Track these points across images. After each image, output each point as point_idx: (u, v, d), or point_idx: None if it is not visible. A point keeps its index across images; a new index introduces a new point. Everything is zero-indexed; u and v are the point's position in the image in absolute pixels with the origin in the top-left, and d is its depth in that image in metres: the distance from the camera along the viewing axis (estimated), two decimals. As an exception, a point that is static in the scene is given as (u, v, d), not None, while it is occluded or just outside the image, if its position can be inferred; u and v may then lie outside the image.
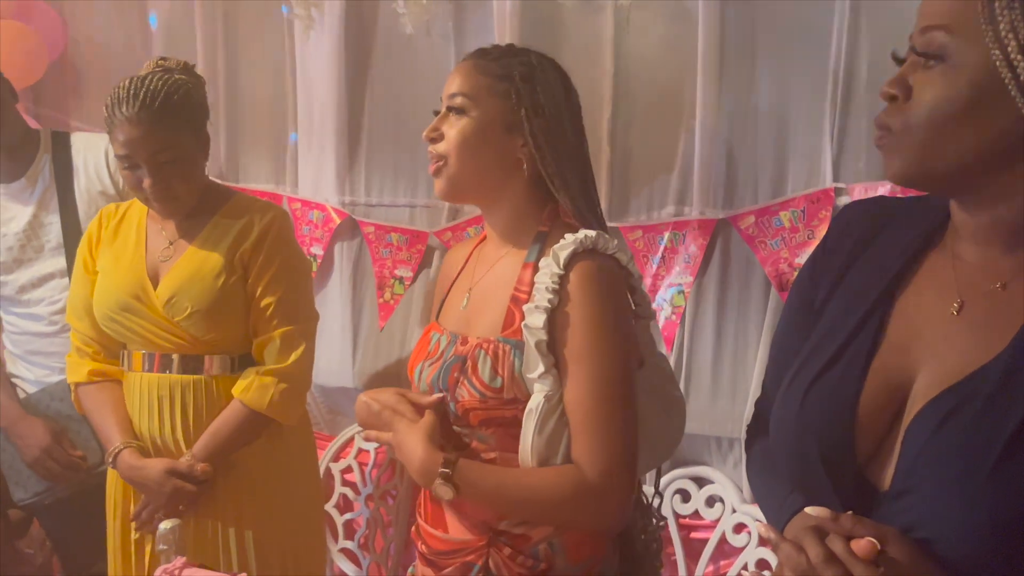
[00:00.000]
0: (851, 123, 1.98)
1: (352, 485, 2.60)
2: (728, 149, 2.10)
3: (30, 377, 2.18)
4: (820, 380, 0.95)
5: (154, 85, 1.70)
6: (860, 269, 1.00)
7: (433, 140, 1.33)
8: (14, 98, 2.09)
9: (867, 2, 1.93)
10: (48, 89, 2.88)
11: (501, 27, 2.24)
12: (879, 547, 0.82)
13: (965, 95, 0.83)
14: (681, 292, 2.15)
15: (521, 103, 1.30)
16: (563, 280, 1.24)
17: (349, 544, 2.59)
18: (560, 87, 1.34)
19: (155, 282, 1.81)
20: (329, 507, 2.61)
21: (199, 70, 1.89)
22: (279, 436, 1.88)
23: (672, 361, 2.15)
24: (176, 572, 1.32)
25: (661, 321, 2.17)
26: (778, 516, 0.97)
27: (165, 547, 1.38)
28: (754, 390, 2.06)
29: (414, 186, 2.50)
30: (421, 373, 1.36)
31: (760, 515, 1.06)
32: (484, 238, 1.44)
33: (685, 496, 2.23)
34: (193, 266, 1.79)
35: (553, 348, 1.23)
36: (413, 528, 1.44)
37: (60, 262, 2.12)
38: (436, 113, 1.36)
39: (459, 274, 1.44)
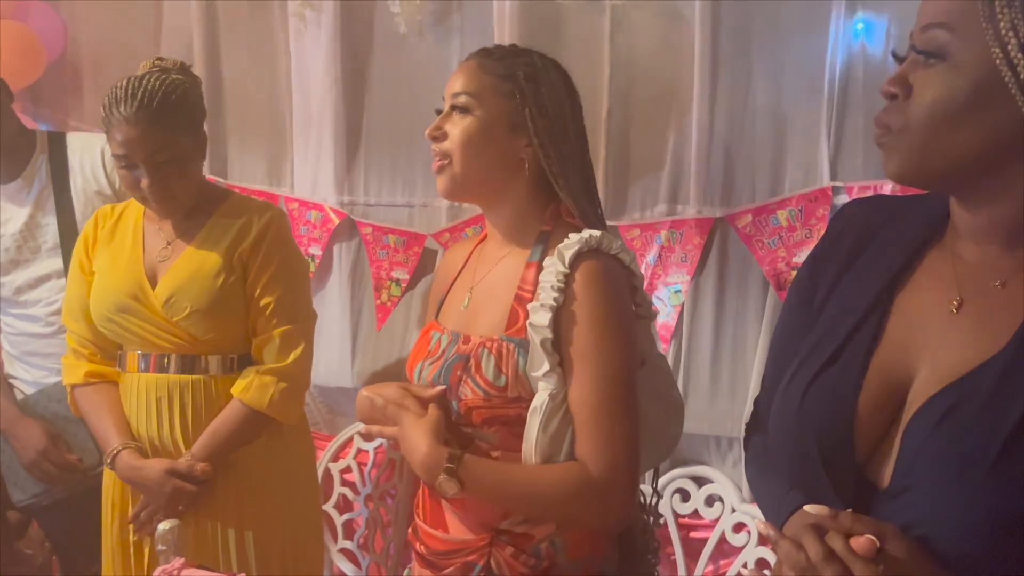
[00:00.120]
0: (848, 122, 1.98)
1: (351, 485, 2.60)
2: (725, 148, 2.10)
3: (28, 378, 2.17)
4: (820, 378, 0.95)
5: (152, 85, 1.70)
6: (859, 267, 1.00)
7: (436, 139, 1.34)
8: (9, 98, 2.08)
9: (864, 0, 1.93)
10: (47, 89, 2.88)
11: (500, 26, 2.24)
12: (878, 544, 0.82)
13: (965, 93, 0.83)
14: (679, 291, 2.15)
15: (525, 103, 1.31)
16: (568, 279, 1.24)
17: (348, 544, 2.59)
18: (563, 88, 1.35)
19: (153, 282, 1.81)
20: (328, 507, 2.61)
21: (196, 70, 1.88)
22: (278, 436, 1.88)
23: (670, 360, 2.15)
24: (175, 573, 1.32)
25: (659, 320, 2.17)
26: (777, 514, 0.97)
27: (164, 548, 1.37)
28: (753, 389, 2.06)
29: (412, 186, 2.49)
30: (421, 372, 1.36)
31: (759, 514, 1.06)
32: (484, 237, 1.44)
33: (684, 496, 2.23)
34: (192, 266, 1.79)
35: (558, 346, 1.24)
36: (410, 529, 1.43)
37: (57, 263, 2.11)
38: (438, 112, 1.36)
39: (459, 274, 1.44)
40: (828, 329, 0.98)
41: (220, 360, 1.83)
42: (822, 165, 2.01)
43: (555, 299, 1.23)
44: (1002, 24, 0.80)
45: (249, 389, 1.80)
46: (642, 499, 1.44)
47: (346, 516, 2.60)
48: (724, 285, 2.14)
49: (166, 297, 1.78)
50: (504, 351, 1.26)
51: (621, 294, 1.28)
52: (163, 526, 1.38)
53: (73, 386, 1.89)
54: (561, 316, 1.24)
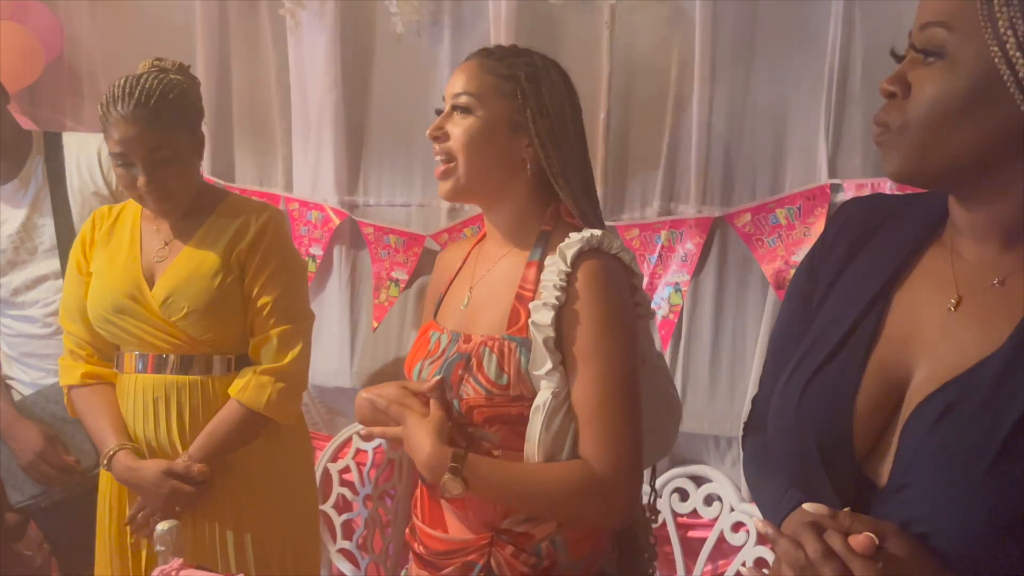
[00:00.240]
0: (847, 120, 1.98)
1: (350, 485, 2.60)
2: (724, 147, 2.10)
3: (25, 379, 2.17)
4: (819, 375, 0.95)
5: (149, 84, 1.70)
6: (858, 265, 1.00)
7: (438, 139, 1.34)
8: (5, 99, 2.08)
9: (862, 0, 1.93)
10: (45, 90, 2.87)
11: (496, 27, 2.24)
12: (877, 542, 0.82)
13: (964, 92, 0.83)
14: (678, 291, 2.15)
15: (527, 103, 1.31)
16: (570, 278, 1.25)
17: (347, 544, 2.59)
18: (563, 88, 1.35)
19: (151, 282, 1.80)
20: (327, 507, 2.60)
21: (198, 71, 1.88)
22: (276, 436, 1.87)
23: (670, 360, 2.16)
24: (173, 573, 1.32)
25: (659, 320, 2.17)
26: (776, 513, 0.97)
27: (163, 548, 1.37)
28: (752, 388, 2.06)
29: (411, 186, 2.49)
30: (420, 372, 1.36)
31: (758, 513, 1.06)
32: (482, 237, 1.44)
33: (683, 495, 2.23)
34: (190, 266, 1.79)
35: (560, 345, 1.24)
36: (408, 529, 1.43)
37: (54, 264, 2.11)
38: (438, 112, 1.36)
39: (457, 273, 1.44)
40: (827, 327, 0.98)
41: (218, 360, 1.83)
42: (821, 163, 2.01)
43: (557, 298, 1.23)
44: (1000, 23, 0.80)
45: (246, 389, 1.79)
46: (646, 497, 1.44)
47: (345, 516, 2.59)
48: (723, 284, 2.14)
49: (163, 297, 1.78)
50: (506, 350, 1.26)
51: (622, 293, 1.28)
52: (162, 526, 1.38)
53: (70, 387, 1.89)
54: (563, 315, 1.24)
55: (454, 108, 1.33)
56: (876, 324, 0.94)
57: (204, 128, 1.86)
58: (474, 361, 1.27)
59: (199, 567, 1.36)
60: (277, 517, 1.88)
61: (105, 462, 1.81)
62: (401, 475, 2.56)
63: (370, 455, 2.58)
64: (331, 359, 2.57)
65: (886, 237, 0.99)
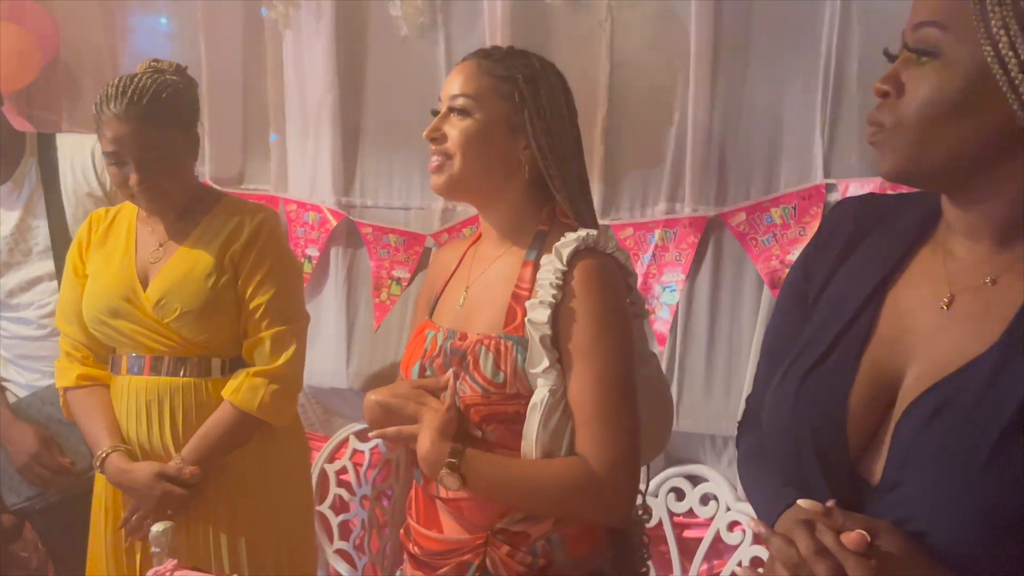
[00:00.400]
0: (842, 120, 1.98)
1: (347, 486, 2.60)
2: (720, 146, 2.10)
3: (21, 381, 2.17)
4: (813, 374, 0.95)
5: (143, 83, 1.71)
6: (852, 264, 1.00)
7: (435, 140, 1.33)
8: None
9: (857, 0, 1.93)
10: (41, 91, 2.87)
11: (492, 27, 2.24)
12: (869, 539, 0.82)
13: (957, 91, 0.83)
14: (673, 290, 2.15)
15: (525, 105, 1.31)
16: (566, 276, 1.25)
17: (344, 545, 2.59)
18: (560, 90, 1.36)
19: (145, 284, 1.80)
20: (324, 508, 2.60)
21: (196, 72, 1.88)
22: (271, 438, 1.86)
23: (665, 359, 2.16)
24: (167, 574, 1.32)
25: (654, 319, 2.17)
26: (770, 511, 0.97)
27: (158, 549, 1.37)
28: (748, 387, 2.06)
29: (408, 188, 2.50)
30: (424, 371, 1.36)
31: (754, 512, 1.07)
32: (478, 238, 1.45)
33: (679, 494, 2.23)
34: (184, 267, 1.79)
35: (556, 343, 1.24)
36: (402, 530, 1.43)
37: (48, 265, 2.11)
38: (434, 113, 1.36)
39: (453, 273, 1.45)
40: (821, 326, 0.98)
41: (212, 362, 1.82)
42: (816, 163, 2.01)
43: (554, 296, 1.24)
44: (993, 22, 0.81)
45: (239, 391, 1.78)
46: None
47: (342, 517, 2.59)
48: (719, 283, 2.14)
49: (157, 299, 1.77)
50: (502, 348, 1.26)
51: (618, 291, 1.29)
52: (157, 528, 1.38)
53: (65, 389, 1.88)
54: (560, 313, 1.25)
55: (451, 110, 1.33)
56: (870, 323, 0.94)
57: (202, 129, 1.85)
58: (470, 359, 1.28)
59: (194, 568, 1.36)
60: (272, 519, 1.87)
61: (98, 464, 1.81)
62: (398, 476, 2.56)
63: (367, 456, 2.58)
64: (328, 360, 2.56)
65: (879, 237, 0.99)
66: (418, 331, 1.42)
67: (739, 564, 2.09)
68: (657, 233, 2.15)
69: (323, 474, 2.61)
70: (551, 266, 1.26)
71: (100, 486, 1.89)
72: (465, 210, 2.35)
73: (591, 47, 2.18)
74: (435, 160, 1.34)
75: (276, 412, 1.82)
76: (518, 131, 1.32)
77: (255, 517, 1.85)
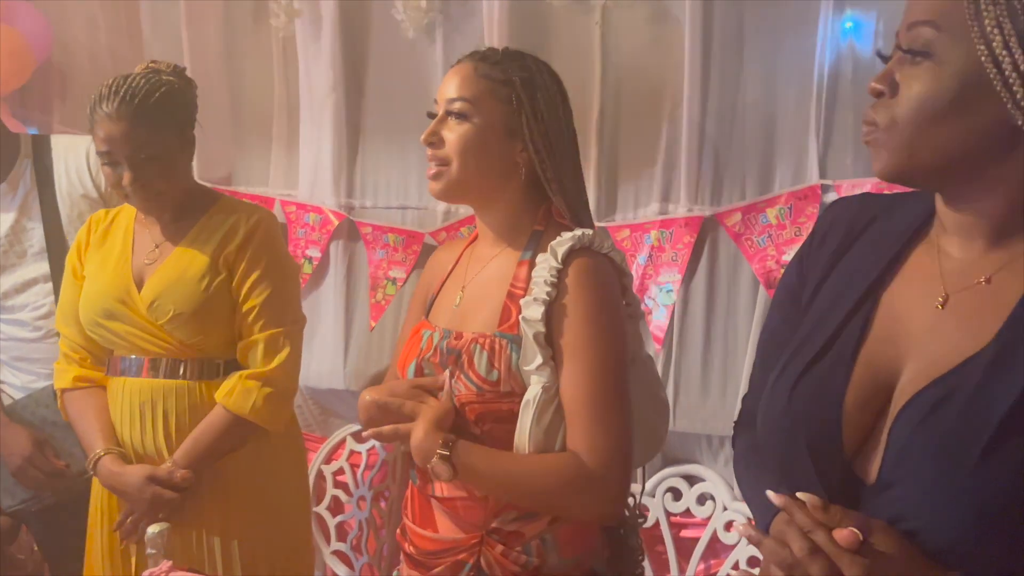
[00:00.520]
0: (837, 120, 1.99)
1: (344, 487, 2.60)
2: (715, 146, 2.11)
3: (16, 383, 2.16)
4: (808, 373, 0.95)
5: (136, 83, 1.70)
6: (847, 264, 1.00)
7: (433, 144, 1.33)
8: None
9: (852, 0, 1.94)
10: (35, 92, 2.87)
11: (489, 29, 2.24)
12: (861, 537, 0.82)
13: (951, 91, 0.83)
14: (670, 291, 2.15)
15: (522, 108, 1.31)
16: (561, 274, 1.26)
17: (341, 546, 2.59)
18: (556, 91, 1.36)
19: (140, 285, 1.79)
20: (321, 509, 2.60)
21: (191, 74, 1.87)
22: (266, 439, 1.84)
23: (662, 360, 2.16)
24: (163, 576, 1.32)
25: (650, 320, 2.17)
26: (765, 511, 0.97)
27: (154, 551, 1.37)
28: (744, 387, 2.07)
29: (407, 189, 2.50)
30: (423, 371, 1.36)
31: (751, 512, 1.07)
32: (475, 238, 1.45)
33: (676, 494, 2.23)
34: (178, 269, 1.78)
35: (550, 340, 1.25)
36: (399, 530, 1.43)
37: (43, 267, 2.10)
38: (431, 115, 1.36)
39: (449, 273, 1.45)
40: (816, 326, 0.98)
41: (207, 365, 1.80)
42: (811, 163, 2.01)
43: (548, 293, 1.24)
44: (987, 22, 0.81)
45: (232, 394, 1.76)
46: (631, 498, 1.44)
47: (339, 518, 2.59)
48: (714, 284, 2.15)
49: (150, 300, 1.76)
50: (497, 346, 1.26)
51: (612, 290, 1.29)
52: (152, 530, 1.38)
53: (62, 390, 1.88)
54: (553, 310, 1.25)
55: (448, 113, 1.33)
56: (864, 323, 0.94)
57: (200, 130, 1.84)
58: (465, 357, 1.28)
59: (189, 570, 1.35)
60: (266, 522, 1.86)
61: (91, 466, 1.80)
62: (395, 476, 2.55)
63: (364, 457, 2.58)
64: (325, 360, 2.56)
65: (874, 236, 0.99)
66: (414, 331, 1.42)
67: (735, 565, 2.09)
68: (653, 234, 2.16)
69: (320, 475, 2.61)
70: (546, 264, 1.26)
71: (96, 488, 1.89)
72: (466, 210, 2.35)
73: (588, 48, 2.18)
74: (432, 168, 1.34)
75: (269, 416, 1.79)
76: (515, 134, 1.32)
77: (249, 519, 1.83)
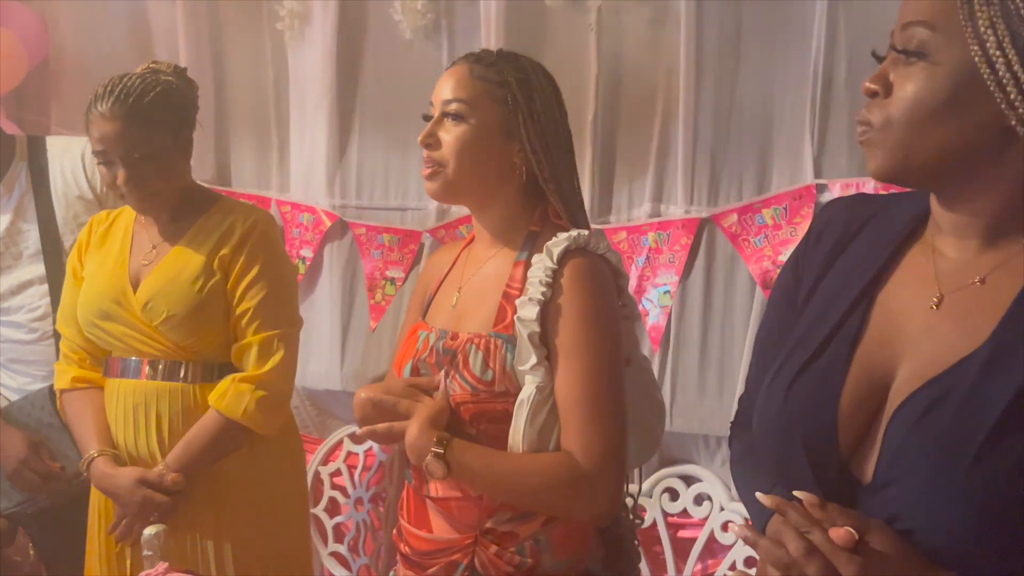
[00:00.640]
0: (832, 120, 1.99)
1: (341, 489, 2.60)
2: (711, 147, 2.11)
3: (12, 385, 2.15)
4: (804, 373, 0.95)
5: (131, 83, 1.69)
6: (842, 264, 1.00)
7: (429, 146, 1.33)
8: None
9: (846, 1, 1.94)
10: (30, 94, 2.86)
11: (487, 30, 2.24)
12: (857, 536, 0.82)
13: (945, 91, 0.84)
14: (667, 292, 2.16)
15: (518, 109, 1.31)
16: (556, 274, 1.26)
17: (339, 548, 2.59)
18: (551, 92, 1.36)
19: (136, 286, 1.78)
20: (318, 511, 2.60)
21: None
22: (263, 443, 1.83)
23: (659, 360, 2.16)
24: (158, 578, 1.31)
25: (648, 321, 2.17)
26: (761, 512, 0.97)
27: (150, 552, 1.37)
28: (740, 387, 2.07)
29: (404, 189, 2.50)
30: (419, 371, 1.36)
31: (748, 513, 1.08)
32: (472, 239, 1.45)
33: (673, 495, 2.23)
34: (173, 270, 1.77)
35: (545, 340, 1.25)
36: (395, 530, 1.43)
37: (39, 269, 2.09)
38: (426, 118, 1.36)
39: (447, 275, 1.45)
40: (811, 326, 0.98)
41: (201, 368, 1.78)
42: (807, 163, 2.02)
43: (543, 294, 1.25)
44: (981, 22, 0.81)
45: (224, 397, 1.74)
46: (629, 499, 1.44)
47: (336, 520, 2.59)
48: (711, 285, 2.15)
49: (144, 301, 1.75)
50: (492, 347, 1.27)
51: (607, 291, 1.29)
52: (149, 531, 1.37)
53: (61, 391, 1.87)
54: (548, 310, 1.25)
55: (445, 115, 1.33)
56: (860, 323, 0.94)
57: (199, 130, 1.84)
58: (460, 358, 1.28)
59: (185, 572, 1.35)
60: (263, 525, 1.84)
61: (84, 468, 1.79)
62: (392, 478, 2.55)
63: (361, 458, 2.58)
64: (322, 361, 2.56)
65: (869, 237, 1.00)
66: (411, 332, 1.42)
67: (732, 565, 2.10)
68: (651, 235, 2.16)
69: (317, 476, 2.61)
70: (542, 264, 1.27)
71: (95, 490, 1.88)
72: (462, 210, 2.35)
73: (584, 50, 2.19)
74: (427, 167, 1.34)
75: (262, 420, 1.76)
76: (512, 135, 1.32)
77: (244, 522, 1.82)
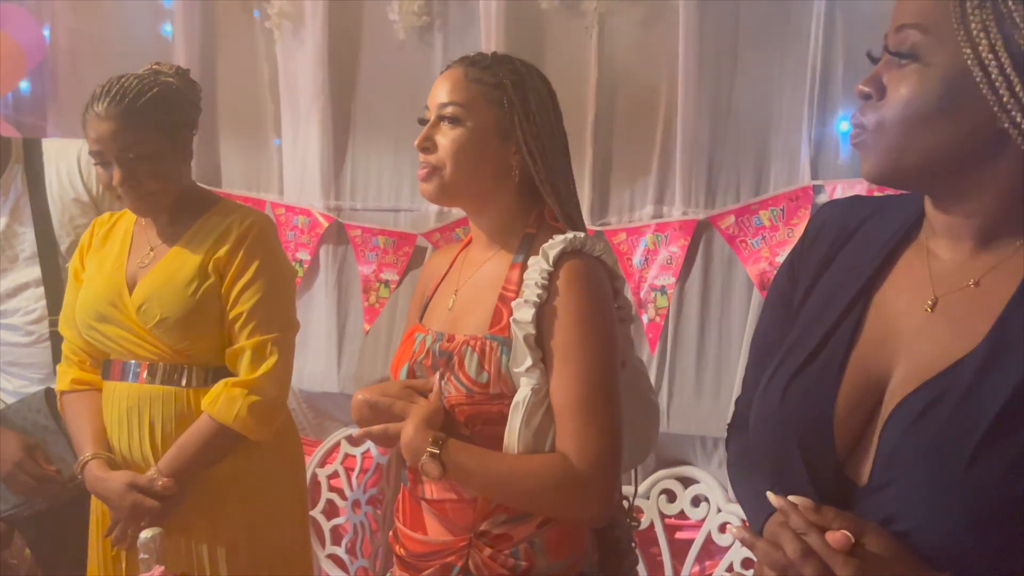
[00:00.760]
0: (829, 122, 2.00)
1: (339, 491, 2.60)
2: (708, 149, 2.11)
3: (9, 388, 2.15)
4: (800, 375, 0.95)
5: (128, 83, 1.69)
6: (838, 266, 1.01)
7: (426, 150, 1.33)
8: None
9: (843, 3, 1.94)
10: (27, 96, 2.86)
11: (486, 32, 2.24)
12: (853, 540, 0.82)
13: (938, 93, 0.84)
14: (664, 293, 2.16)
15: (514, 111, 1.32)
16: (552, 277, 1.26)
17: (336, 550, 2.58)
18: (546, 94, 1.37)
19: (132, 289, 1.77)
20: (316, 513, 2.60)
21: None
22: (260, 447, 1.81)
23: (656, 362, 2.16)
24: (155, 581, 1.31)
25: (645, 322, 2.17)
26: (758, 513, 0.97)
27: (146, 556, 1.37)
28: (738, 389, 2.07)
29: (399, 190, 2.50)
30: (415, 373, 1.36)
31: (744, 514, 1.08)
32: (469, 242, 1.45)
33: (670, 496, 2.23)
34: (168, 272, 1.76)
35: (540, 342, 1.25)
36: (391, 532, 1.43)
37: (35, 271, 2.09)
38: (422, 121, 1.36)
39: (444, 277, 1.45)
40: (807, 328, 0.98)
41: (196, 371, 1.77)
42: (804, 165, 2.02)
43: (539, 295, 1.25)
44: (973, 25, 0.81)
45: (216, 402, 1.72)
46: (625, 501, 1.44)
47: (334, 522, 2.59)
48: (708, 286, 2.15)
49: (139, 303, 1.74)
50: (487, 349, 1.27)
51: (603, 293, 1.29)
52: (145, 534, 1.37)
53: (61, 392, 1.87)
54: (544, 312, 1.25)
55: (441, 118, 1.33)
56: (855, 325, 0.94)
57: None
58: (456, 359, 1.28)
59: (181, 575, 1.35)
60: (260, 529, 1.83)
61: (79, 471, 1.78)
62: (389, 480, 2.55)
63: (358, 460, 2.57)
64: (319, 363, 2.56)
65: (864, 239, 1.00)
66: (408, 334, 1.43)
67: (729, 567, 2.10)
68: (648, 237, 2.16)
69: (314, 479, 2.60)
70: (537, 266, 1.27)
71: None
72: (459, 212, 2.35)
73: (582, 52, 2.19)
74: (423, 170, 1.34)
75: (254, 426, 1.73)
76: (508, 136, 1.32)
77: (240, 526, 1.81)
